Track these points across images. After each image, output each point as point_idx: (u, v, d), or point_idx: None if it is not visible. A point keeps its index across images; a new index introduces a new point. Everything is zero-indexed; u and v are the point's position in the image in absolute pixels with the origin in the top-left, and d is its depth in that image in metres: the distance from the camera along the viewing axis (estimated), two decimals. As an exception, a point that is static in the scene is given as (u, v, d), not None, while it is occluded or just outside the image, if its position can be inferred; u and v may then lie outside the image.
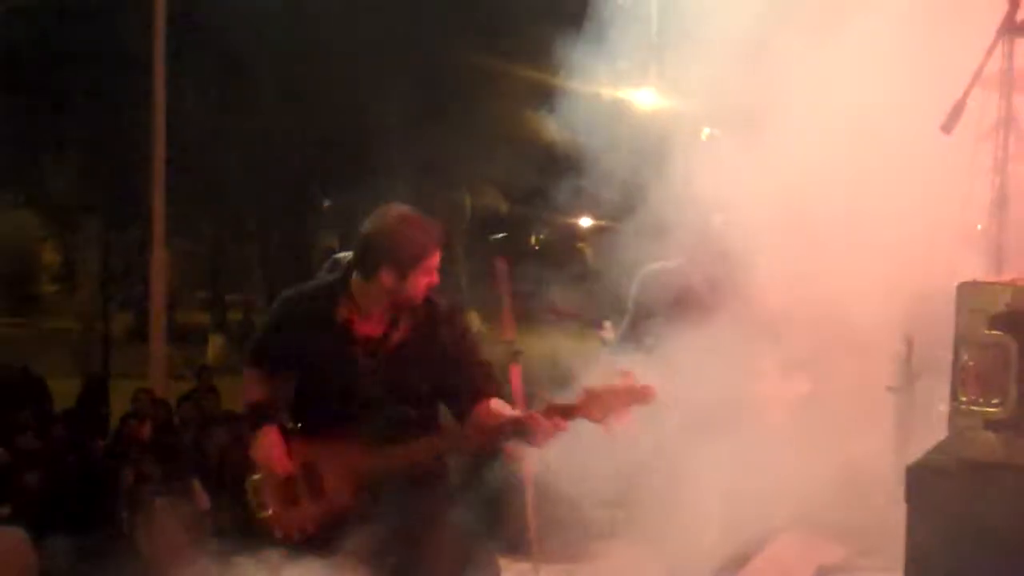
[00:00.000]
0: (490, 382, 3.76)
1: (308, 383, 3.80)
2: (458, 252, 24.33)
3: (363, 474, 3.64)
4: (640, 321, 4.85)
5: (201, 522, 7.20)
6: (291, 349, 3.79)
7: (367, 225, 3.74)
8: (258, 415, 3.83)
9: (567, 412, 3.46)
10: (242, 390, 3.96)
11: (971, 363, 2.84)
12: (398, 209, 3.76)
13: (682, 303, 4.62)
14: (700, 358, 4.22)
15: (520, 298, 4.58)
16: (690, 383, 4.15)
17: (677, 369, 4.21)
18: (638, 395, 3.42)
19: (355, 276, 3.73)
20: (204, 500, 7.56)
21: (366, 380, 3.71)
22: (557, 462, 4.02)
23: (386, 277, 3.65)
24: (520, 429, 3.52)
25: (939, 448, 3.03)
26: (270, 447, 3.75)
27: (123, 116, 17.03)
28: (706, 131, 5.19)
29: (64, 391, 13.52)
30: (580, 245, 20.63)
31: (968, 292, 2.93)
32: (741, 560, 3.73)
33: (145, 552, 6.99)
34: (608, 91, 5.17)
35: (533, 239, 25.65)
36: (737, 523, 3.72)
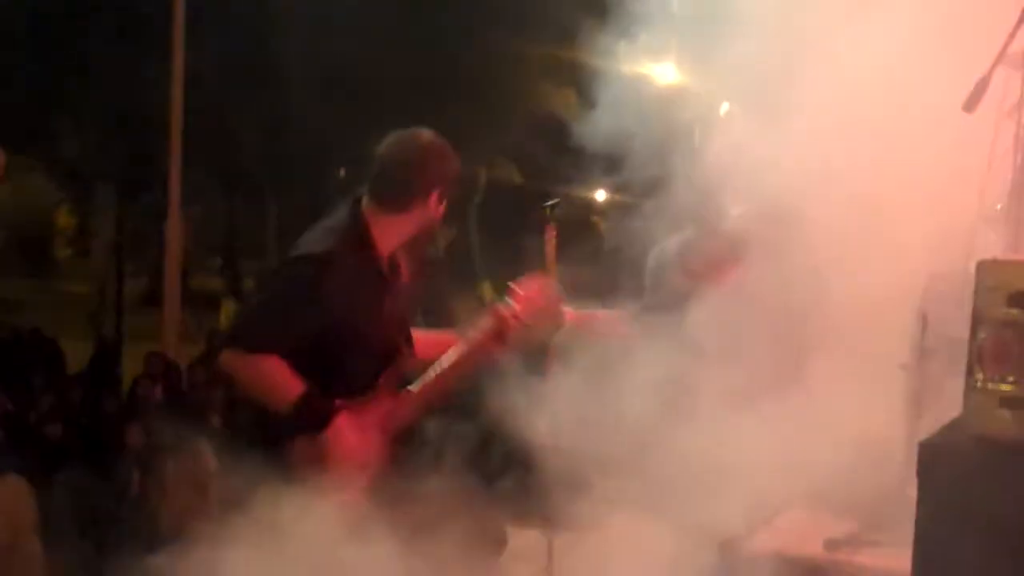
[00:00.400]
0: None
1: (348, 350, 3.36)
2: (471, 224, 24.31)
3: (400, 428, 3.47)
4: (656, 294, 4.84)
5: (209, 483, 7.25)
6: (332, 318, 3.29)
7: (400, 149, 3.46)
8: (324, 407, 3.29)
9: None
10: (259, 382, 3.30)
11: (988, 341, 2.82)
12: (421, 131, 3.52)
13: (697, 277, 4.62)
14: (713, 332, 4.22)
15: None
16: (701, 357, 4.15)
17: (690, 343, 4.22)
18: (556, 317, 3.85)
19: (376, 212, 3.43)
20: (212, 462, 7.61)
21: (393, 330, 3.50)
22: (569, 429, 4.03)
23: (436, 201, 3.45)
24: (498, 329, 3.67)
25: (953, 425, 3.02)
26: (359, 437, 3.30)
27: (139, 82, 17.02)
28: (725, 106, 5.16)
29: (78, 354, 13.62)
30: (595, 219, 20.57)
31: (987, 270, 2.91)
32: (749, 532, 3.73)
33: (154, 512, 7.05)
34: (626, 66, 5.14)
35: (547, 212, 25.62)
36: (746, 496, 3.72)
